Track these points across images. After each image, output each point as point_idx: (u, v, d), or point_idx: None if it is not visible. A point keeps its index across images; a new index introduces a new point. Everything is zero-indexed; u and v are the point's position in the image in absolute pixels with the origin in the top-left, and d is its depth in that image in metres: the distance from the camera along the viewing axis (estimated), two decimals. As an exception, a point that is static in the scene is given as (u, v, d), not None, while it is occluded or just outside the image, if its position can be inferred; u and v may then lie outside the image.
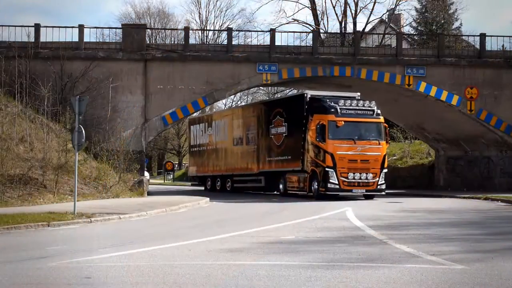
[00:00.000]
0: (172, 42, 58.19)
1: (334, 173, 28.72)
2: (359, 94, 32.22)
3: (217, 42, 61.54)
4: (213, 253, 13.24)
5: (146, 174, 38.42)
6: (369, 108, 29.83)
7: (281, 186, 33.85)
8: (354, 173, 28.99)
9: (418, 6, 55.90)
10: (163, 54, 34.55)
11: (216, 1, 73.13)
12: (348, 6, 52.81)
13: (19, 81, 30.18)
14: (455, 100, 35.39)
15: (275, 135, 33.93)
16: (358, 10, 53.48)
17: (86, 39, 34.21)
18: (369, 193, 29.88)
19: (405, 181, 43.54)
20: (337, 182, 28.77)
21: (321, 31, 52.57)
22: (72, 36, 34.99)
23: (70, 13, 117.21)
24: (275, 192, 35.12)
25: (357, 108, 29.69)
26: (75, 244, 14.85)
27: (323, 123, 29.00)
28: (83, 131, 20.86)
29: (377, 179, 29.33)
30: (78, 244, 14.95)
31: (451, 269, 11.22)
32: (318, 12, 54.01)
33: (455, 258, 12.21)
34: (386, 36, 50.53)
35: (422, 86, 35.21)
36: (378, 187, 29.58)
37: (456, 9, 56.46)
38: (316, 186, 29.95)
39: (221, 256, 12.82)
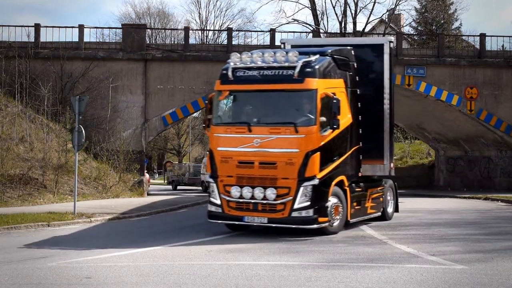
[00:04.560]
0: (172, 42, 58.11)
1: (215, 186, 16.04)
2: (391, 39, 19.76)
3: (217, 42, 61.49)
4: (213, 253, 13.25)
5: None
6: (288, 65, 15.73)
7: None
8: (242, 187, 15.65)
9: (418, 6, 55.94)
10: (163, 54, 34.54)
11: (216, 1, 73.29)
12: (348, 6, 52.78)
13: (19, 81, 30.18)
14: (455, 100, 35.40)
15: None
16: (358, 10, 53.45)
17: (86, 39, 34.23)
18: (274, 225, 15.62)
19: (405, 181, 43.49)
20: (219, 203, 15.96)
21: (321, 31, 52.53)
22: (72, 36, 35.12)
23: (69, 13, 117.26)
24: None
25: (265, 65, 15.94)
26: (75, 244, 14.85)
27: (210, 98, 16.75)
28: (83, 131, 20.86)
29: (290, 198, 15.25)
30: (78, 244, 14.95)
31: (451, 269, 11.22)
32: (318, 12, 53.96)
33: (455, 258, 12.21)
34: (386, 36, 50.51)
35: (422, 86, 35.21)
36: (295, 214, 15.25)
37: (456, 9, 56.51)
38: None
39: (221, 256, 12.83)
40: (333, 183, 15.91)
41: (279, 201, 15.31)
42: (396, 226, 18.24)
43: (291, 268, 11.54)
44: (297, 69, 15.48)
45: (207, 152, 15.95)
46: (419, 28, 56.06)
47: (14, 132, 27.64)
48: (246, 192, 15.57)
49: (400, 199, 30.06)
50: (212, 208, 16.14)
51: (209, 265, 11.94)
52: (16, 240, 15.82)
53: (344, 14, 52.78)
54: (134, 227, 19.07)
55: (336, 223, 16.06)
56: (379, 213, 19.01)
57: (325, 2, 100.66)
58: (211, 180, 16.19)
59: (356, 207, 17.22)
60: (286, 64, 15.72)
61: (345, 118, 16.58)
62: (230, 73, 16.13)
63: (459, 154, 40.28)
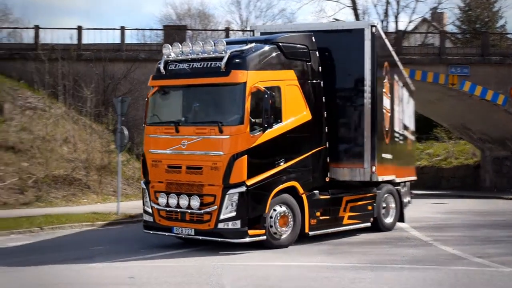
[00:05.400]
0: (213, 43, 58.31)
1: (147, 193, 14.58)
2: (374, 23, 16.19)
3: (258, 42, 61.53)
4: (255, 253, 13.20)
5: None
6: (216, 55, 13.94)
7: None
8: (169, 194, 14.07)
9: (461, 5, 55.04)
10: (204, 55, 34.62)
11: (257, 2, 73.24)
12: (389, 5, 52.27)
13: (62, 82, 30.58)
14: (500, 99, 34.74)
15: None
16: (400, 9, 52.93)
17: (127, 40, 34.51)
18: (201, 237, 13.75)
19: (450, 182, 43.01)
20: (151, 211, 14.44)
21: (363, 30, 52.02)
22: (113, 37, 35.35)
23: (111, 15, 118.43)
24: None
25: (196, 57, 14.25)
26: (118, 244, 14.95)
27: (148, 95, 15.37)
28: (126, 132, 20.99)
29: (215, 207, 13.43)
30: (122, 244, 15.04)
31: (498, 272, 10.98)
32: (359, 11, 53.51)
33: (502, 261, 11.95)
34: (429, 35, 49.89)
35: (467, 86, 34.65)
36: (221, 226, 13.42)
37: (500, 7, 55.37)
38: None
39: (263, 257, 12.78)
40: (276, 190, 13.80)
41: (203, 211, 13.50)
42: (441, 227, 17.98)
43: (334, 269, 11.42)
44: (224, 60, 13.56)
45: (141, 156, 15.03)
46: (462, 26, 55.18)
47: (58, 133, 28.00)
48: (173, 200, 13.91)
49: (444, 200, 29.83)
50: (146, 218, 14.56)
51: (252, 265, 11.90)
52: (61, 240, 15.99)
53: (386, 13, 52.32)
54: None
55: (284, 236, 13.99)
56: (368, 224, 16.38)
57: (366, 1, 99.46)
58: (144, 186, 14.66)
59: (322, 217, 14.92)
60: (214, 55, 13.86)
61: (299, 115, 14.45)
62: (162, 67, 14.55)
63: (505, 154, 39.49)
